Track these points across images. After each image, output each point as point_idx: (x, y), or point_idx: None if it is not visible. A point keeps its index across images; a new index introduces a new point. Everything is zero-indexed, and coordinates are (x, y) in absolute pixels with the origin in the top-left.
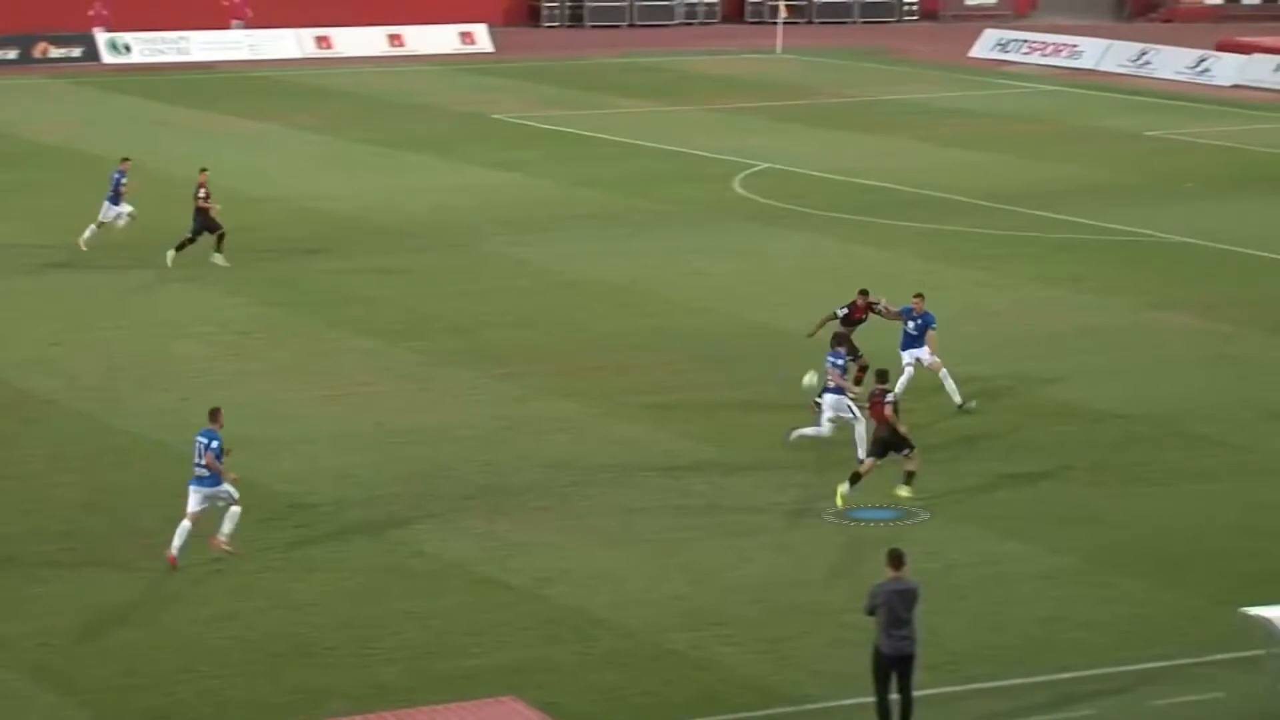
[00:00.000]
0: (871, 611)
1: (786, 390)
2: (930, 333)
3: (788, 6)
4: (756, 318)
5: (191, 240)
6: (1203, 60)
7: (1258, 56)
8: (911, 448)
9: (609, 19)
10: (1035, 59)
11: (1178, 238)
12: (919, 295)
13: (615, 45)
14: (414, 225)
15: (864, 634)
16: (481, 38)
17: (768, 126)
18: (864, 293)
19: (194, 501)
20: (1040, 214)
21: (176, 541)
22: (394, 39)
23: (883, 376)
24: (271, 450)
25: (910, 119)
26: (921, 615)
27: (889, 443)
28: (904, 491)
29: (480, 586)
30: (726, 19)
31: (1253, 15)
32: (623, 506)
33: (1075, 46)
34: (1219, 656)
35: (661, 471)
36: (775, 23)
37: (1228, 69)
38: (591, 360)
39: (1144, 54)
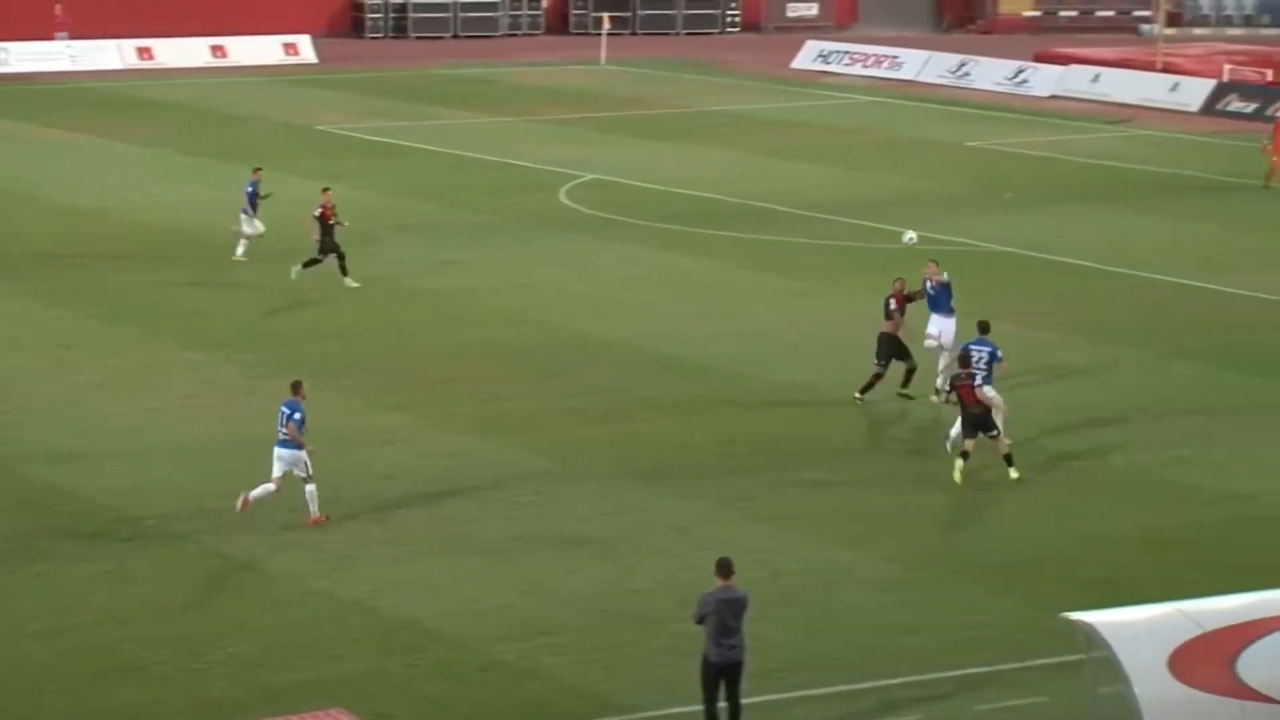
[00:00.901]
0: (700, 620)
1: (615, 399)
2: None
3: (611, 18)
4: (583, 328)
5: (318, 261)
6: (1021, 71)
7: (1075, 68)
8: (997, 430)
9: (433, 30)
10: (856, 70)
11: (998, 247)
12: (933, 260)
13: (439, 56)
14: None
15: (693, 642)
16: (305, 48)
17: (592, 137)
18: (900, 280)
19: (277, 467)
20: (863, 223)
21: (256, 492)
22: (217, 50)
23: (965, 360)
24: (97, 463)
25: (733, 130)
26: (750, 623)
27: (979, 422)
28: (1015, 474)
29: (310, 599)
30: (550, 30)
31: (1070, 27)
32: (453, 517)
33: (896, 58)
34: (1043, 661)
35: (491, 482)
36: (599, 34)
37: (1046, 80)
38: (421, 371)
39: (963, 65)
